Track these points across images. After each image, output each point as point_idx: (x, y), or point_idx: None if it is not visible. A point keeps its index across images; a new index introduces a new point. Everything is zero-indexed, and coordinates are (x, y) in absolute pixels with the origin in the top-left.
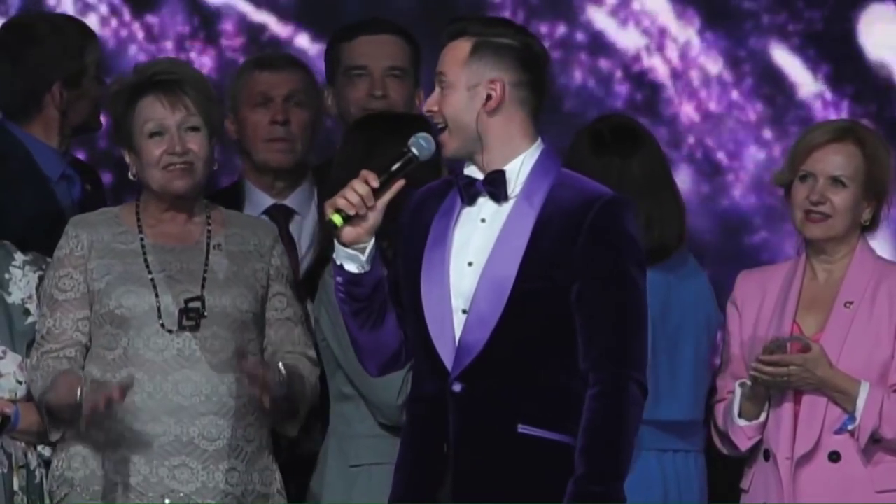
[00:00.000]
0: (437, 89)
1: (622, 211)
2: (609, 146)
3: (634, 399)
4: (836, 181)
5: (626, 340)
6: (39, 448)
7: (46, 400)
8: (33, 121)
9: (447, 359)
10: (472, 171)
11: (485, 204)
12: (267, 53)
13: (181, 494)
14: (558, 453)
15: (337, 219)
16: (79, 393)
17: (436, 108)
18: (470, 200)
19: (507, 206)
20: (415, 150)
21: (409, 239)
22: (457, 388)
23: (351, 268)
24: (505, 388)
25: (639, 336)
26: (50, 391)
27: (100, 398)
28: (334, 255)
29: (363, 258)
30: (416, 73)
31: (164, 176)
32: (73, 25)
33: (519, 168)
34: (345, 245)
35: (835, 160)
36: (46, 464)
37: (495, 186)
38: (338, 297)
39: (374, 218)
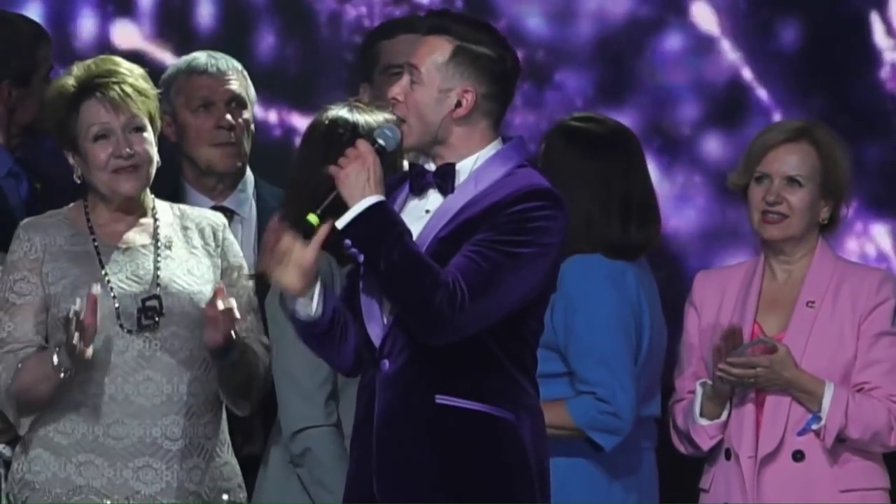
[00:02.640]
0: (406, 79)
1: (545, 199)
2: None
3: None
4: (791, 181)
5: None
6: (1, 447)
7: (16, 385)
8: None
9: (377, 340)
10: (426, 161)
11: (431, 196)
12: (200, 56)
13: (146, 495)
14: (477, 423)
15: (313, 218)
16: (54, 358)
17: (401, 99)
18: (419, 191)
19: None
20: (381, 142)
21: None
22: (384, 366)
23: (305, 314)
24: (422, 361)
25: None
26: (20, 374)
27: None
28: (285, 304)
29: (313, 304)
30: None
31: (112, 178)
32: (26, 24)
33: (472, 165)
34: (294, 297)
35: (790, 160)
36: (6, 464)
37: (443, 179)
38: (296, 332)
39: (312, 264)
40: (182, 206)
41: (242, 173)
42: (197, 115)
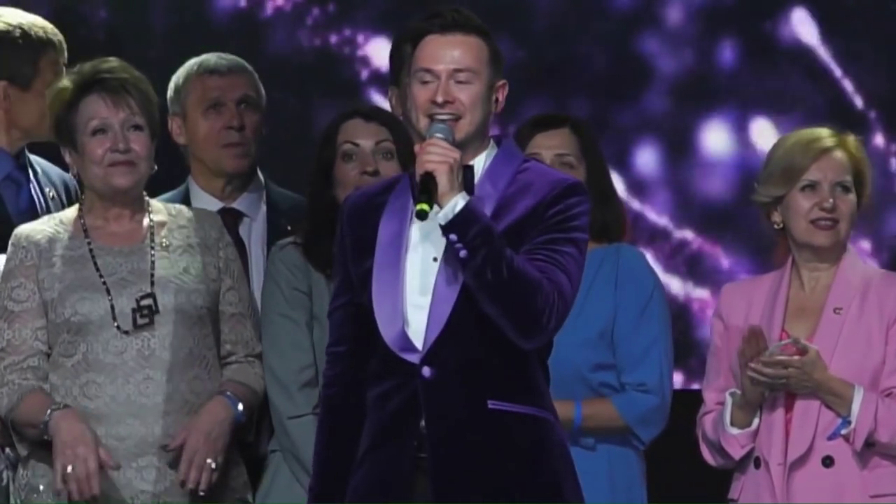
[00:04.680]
0: (455, 84)
1: (581, 193)
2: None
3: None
4: (842, 187)
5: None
6: (8, 450)
7: (13, 417)
8: None
9: (408, 346)
10: None
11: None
12: (210, 57)
13: (150, 495)
14: (527, 426)
15: (426, 206)
16: (47, 413)
17: (451, 99)
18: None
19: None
20: (442, 136)
21: (357, 243)
22: (426, 372)
23: None
24: (471, 366)
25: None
26: (16, 410)
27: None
28: None
29: None
30: None
31: (107, 172)
32: (34, 27)
33: (482, 165)
34: None
35: (837, 167)
36: (13, 465)
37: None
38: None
39: None
40: (178, 206)
41: (252, 175)
42: (207, 116)
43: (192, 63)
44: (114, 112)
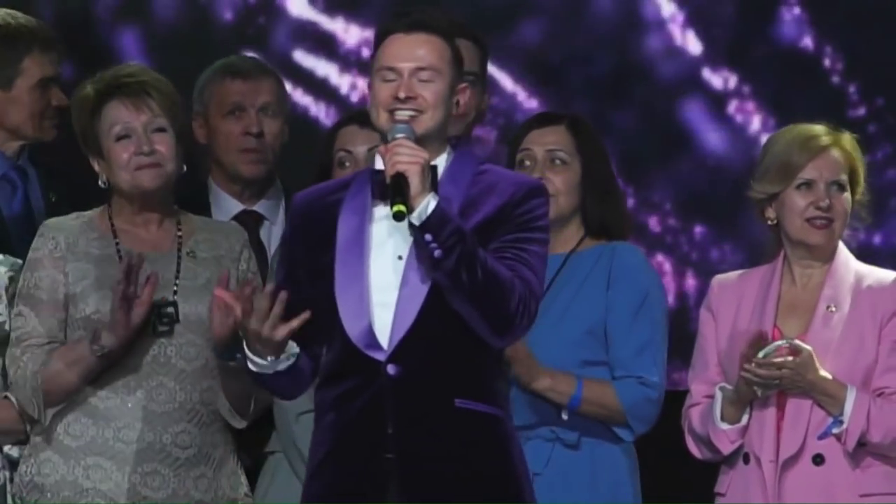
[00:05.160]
0: (419, 81)
1: (543, 194)
2: None
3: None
4: (837, 185)
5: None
6: (6, 449)
7: (45, 372)
8: None
9: (373, 344)
10: (383, 165)
11: None
12: (237, 60)
13: (152, 501)
14: (490, 425)
15: (402, 208)
16: (88, 345)
17: (414, 95)
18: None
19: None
20: (403, 136)
21: (311, 240)
22: (392, 370)
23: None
24: (438, 365)
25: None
26: (50, 361)
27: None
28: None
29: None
30: (484, 76)
31: (134, 176)
32: (19, 25)
33: (443, 165)
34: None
35: (833, 166)
36: (13, 465)
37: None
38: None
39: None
40: (206, 218)
41: (271, 181)
42: (227, 120)
43: (218, 64)
44: (135, 116)
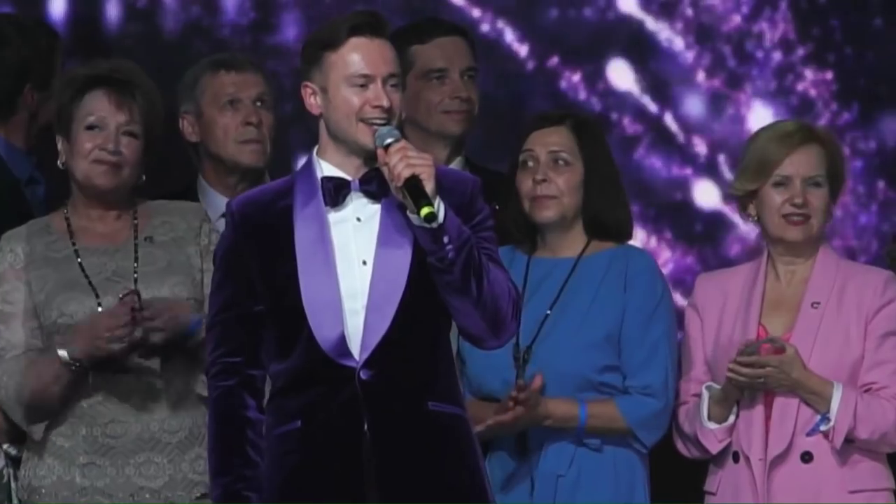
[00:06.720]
0: (390, 88)
1: (482, 190)
2: None
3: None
4: (812, 182)
5: None
6: (6, 447)
7: (27, 390)
8: (4, 123)
9: (346, 352)
10: (334, 171)
11: (356, 203)
12: (225, 55)
13: (150, 491)
14: (458, 425)
15: (431, 207)
16: (61, 353)
17: (387, 105)
18: (338, 201)
19: (377, 203)
20: (392, 141)
21: (266, 251)
22: (365, 375)
23: None
24: (410, 369)
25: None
26: (29, 379)
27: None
28: None
29: None
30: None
31: (91, 168)
32: (40, 27)
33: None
34: None
35: (810, 162)
36: (14, 462)
37: (373, 185)
38: None
39: None
40: (162, 202)
41: (263, 173)
42: (224, 113)
43: (206, 60)
44: (114, 112)
